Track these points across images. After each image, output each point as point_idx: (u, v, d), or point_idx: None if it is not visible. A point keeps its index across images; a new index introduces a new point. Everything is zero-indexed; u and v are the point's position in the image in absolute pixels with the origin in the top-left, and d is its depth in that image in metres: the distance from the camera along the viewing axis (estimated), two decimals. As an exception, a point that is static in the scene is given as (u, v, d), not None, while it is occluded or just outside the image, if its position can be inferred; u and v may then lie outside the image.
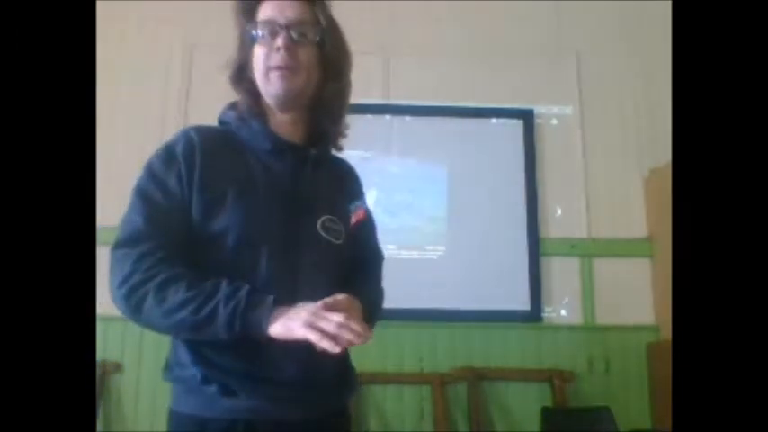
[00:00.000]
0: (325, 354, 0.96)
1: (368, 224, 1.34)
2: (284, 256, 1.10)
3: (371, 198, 3.37)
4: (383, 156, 3.42)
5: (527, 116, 3.51)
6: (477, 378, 3.15)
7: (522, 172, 3.44)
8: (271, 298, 1.01)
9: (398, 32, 3.58)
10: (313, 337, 0.95)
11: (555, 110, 3.56)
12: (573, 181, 3.46)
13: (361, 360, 3.34)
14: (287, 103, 1.16)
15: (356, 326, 0.96)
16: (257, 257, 1.08)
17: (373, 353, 3.19)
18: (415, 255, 3.33)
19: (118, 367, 3.08)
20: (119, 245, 1.03)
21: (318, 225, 1.15)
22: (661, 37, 3.38)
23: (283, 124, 1.19)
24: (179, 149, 1.11)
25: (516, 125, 3.50)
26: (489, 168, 3.45)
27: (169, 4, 3.48)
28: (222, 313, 0.99)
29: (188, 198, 1.08)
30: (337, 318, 0.96)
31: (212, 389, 1.05)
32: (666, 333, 3.20)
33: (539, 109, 3.54)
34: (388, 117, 3.48)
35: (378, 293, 1.32)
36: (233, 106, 1.21)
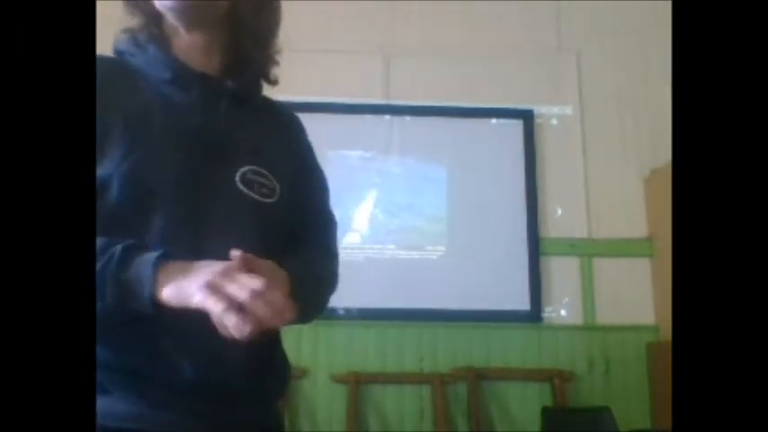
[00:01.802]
0: (237, 341, 0.69)
1: (314, 183, 1.05)
2: (186, 217, 0.83)
3: (371, 198, 3.38)
4: (383, 156, 3.42)
5: (527, 116, 3.51)
6: (477, 378, 3.15)
7: (522, 172, 3.44)
8: (154, 254, 0.73)
9: (398, 32, 3.58)
10: (214, 305, 0.68)
11: (555, 110, 3.57)
12: (573, 181, 3.46)
13: (362, 360, 3.35)
14: (187, 16, 0.90)
15: (277, 297, 0.70)
16: (148, 217, 0.81)
17: (373, 353, 3.19)
18: (415, 255, 3.33)
19: (118, 367, 3.08)
20: None
21: (237, 177, 0.88)
22: (661, 37, 3.38)
23: (192, 50, 0.92)
24: None
25: (516, 125, 3.50)
26: (489, 168, 3.45)
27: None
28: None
29: None
30: (253, 282, 0.69)
31: None
32: (666, 333, 3.20)
33: (539, 109, 3.54)
34: (387, 117, 3.48)
35: (318, 266, 0.98)
36: (128, 30, 0.94)
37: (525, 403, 3.15)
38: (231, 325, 0.68)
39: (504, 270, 3.32)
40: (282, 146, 0.99)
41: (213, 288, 0.69)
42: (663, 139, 3.41)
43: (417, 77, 3.52)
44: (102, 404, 0.77)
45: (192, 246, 0.81)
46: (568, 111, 3.57)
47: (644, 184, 3.45)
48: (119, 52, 0.94)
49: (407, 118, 3.50)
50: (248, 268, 0.73)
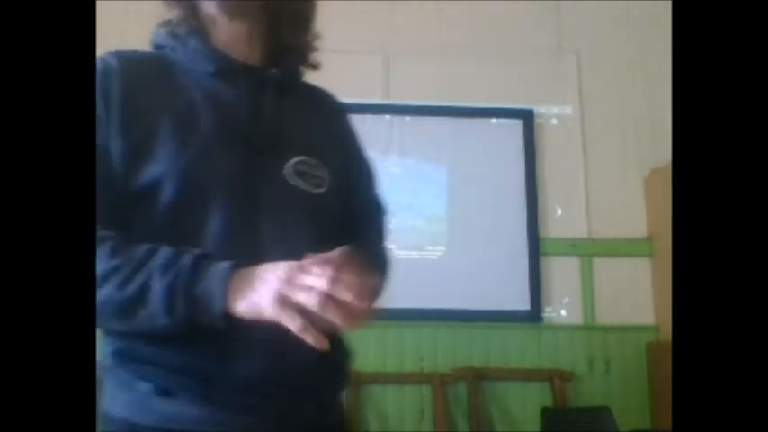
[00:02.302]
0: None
1: (362, 170, 1.05)
2: (240, 213, 0.82)
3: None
4: (383, 156, 3.42)
5: (527, 116, 3.51)
6: (477, 378, 3.15)
7: (522, 172, 3.43)
8: (226, 264, 0.72)
9: (398, 32, 3.58)
10: (291, 322, 0.68)
11: (555, 110, 3.56)
12: (573, 181, 3.46)
13: (362, 360, 3.34)
14: (230, 3, 0.88)
15: (346, 294, 0.68)
16: (204, 216, 0.80)
17: (373, 353, 3.19)
18: (414, 255, 3.33)
19: (118, 367, 3.08)
20: None
21: (287, 169, 0.86)
22: (661, 37, 3.38)
23: (233, 40, 0.90)
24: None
25: (516, 125, 3.50)
26: (489, 168, 3.45)
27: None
28: (158, 289, 0.71)
29: (104, 144, 0.79)
30: (320, 282, 0.68)
31: (145, 386, 0.78)
32: (666, 333, 3.20)
33: (539, 109, 3.54)
34: (388, 117, 3.48)
35: (380, 252, 1.01)
36: (167, 23, 0.92)
37: (525, 403, 3.15)
38: (311, 341, 0.68)
39: (504, 270, 3.32)
40: (329, 134, 0.97)
41: (283, 301, 0.69)
42: (663, 139, 3.41)
43: (417, 77, 3.52)
44: (168, 408, 0.77)
45: (248, 241, 0.81)
46: (568, 111, 3.56)
47: (644, 184, 3.45)
48: (158, 47, 0.92)
49: (407, 118, 3.50)
50: (322, 263, 0.71)
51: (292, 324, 0.68)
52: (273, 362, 0.79)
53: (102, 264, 0.71)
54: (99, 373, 0.71)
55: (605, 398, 3.11)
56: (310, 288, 0.69)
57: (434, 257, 3.35)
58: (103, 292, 0.71)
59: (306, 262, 0.72)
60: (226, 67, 0.88)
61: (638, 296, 3.33)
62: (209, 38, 0.90)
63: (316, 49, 0.97)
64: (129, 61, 0.86)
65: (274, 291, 0.69)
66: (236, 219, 0.81)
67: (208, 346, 0.77)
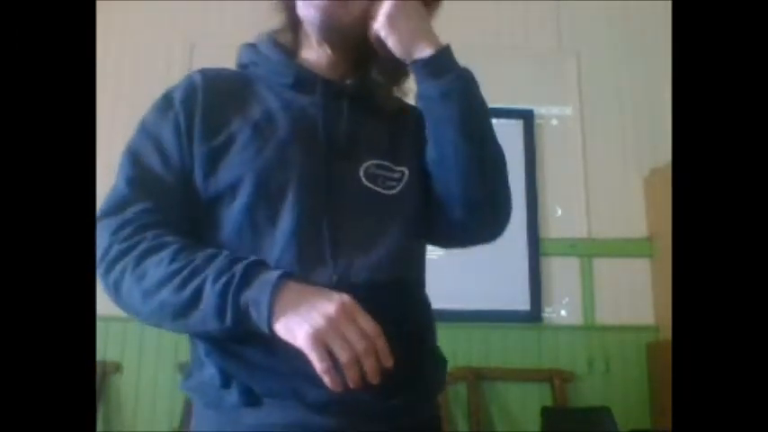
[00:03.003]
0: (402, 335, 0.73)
1: None
2: (315, 213, 0.83)
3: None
4: (383, 156, 3.42)
5: (527, 116, 3.51)
6: (477, 378, 3.15)
7: (522, 172, 3.43)
8: (276, 274, 0.74)
9: (398, 32, 3.57)
10: (317, 362, 0.70)
11: (555, 110, 3.56)
12: (573, 181, 3.46)
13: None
14: (324, 30, 0.91)
15: (386, 353, 0.71)
16: (278, 216, 0.82)
17: (373, 353, 3.18)
18: (415, 255, 3.33)
19: (118, 367, 3.08)
20: (100, 216, 0.78)
21: (361, 171, 0.89)
22: (661, 37, 3.38)
23: (319, 61, 0.95)
24: (177, 95, 0.88)
25: (516, 125, 3.50)
26: (489, 168, 3.44)
27: (170, 4, 3.48)
28: (209, 293, 0.73)
29: (187, 152, 0.85)
30: (359, 342, 0.70)
31: (233, 398, 0.79)
32: (666, 333, 3.20)
33: (539, 109, 3.54)
34: (388, 117, 3.48)
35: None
36: (252, 45, 0.97)
37: (525, 403, 3.15)
38: (328, 383, 0.70)
39: (504, 270, 3.32)
40: (410, 140, 0.97)
41: (319, 341, 0.70)
42: (663, 139, 3.41)
43: (417, 77, 3.51)
44: (257, 417, 0.77)
45: (322, 244, 0.82)
46: (568, 111, 3.56)
47: (644, 184, 3.45)
48: (242, 66, 0.97)
49: (407, 118, 3.50)
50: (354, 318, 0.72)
51: (318, 363, 0.70)
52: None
53: (162, 268, 0.75)
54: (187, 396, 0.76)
55: (605, 398, 3.11)
56: (350, 342, 0.70)
57: (434, 257, 3.34)
58: (162, 294, 0.74)
59: (359, 310, 0.73)
60: (304, 79, 0.92)
61: (638, 296, 3.33)
62: (295, 54, 0.96)
63: (406, 75, 0.99)
64: (213, 77, 0.92)
65: (315, 328, 0.70)
66: (308, 219, 0.83)
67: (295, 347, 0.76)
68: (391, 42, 0.90)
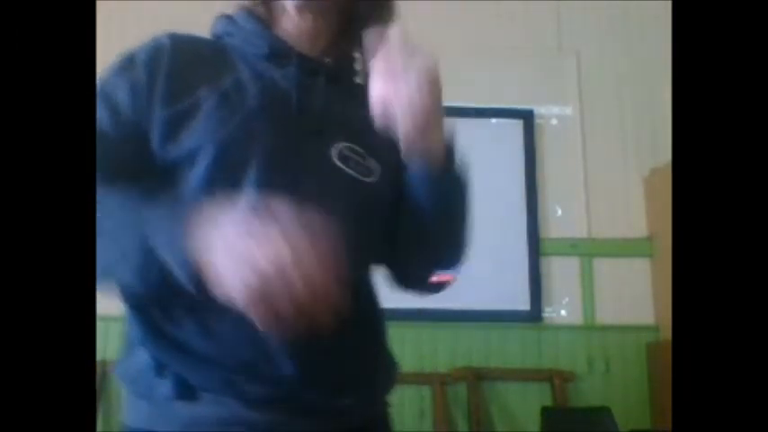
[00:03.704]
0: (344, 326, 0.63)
1: None
2: (280, 188, 0.75)
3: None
4: (383, 156, 3.42)
5: (527, 116, 3.51)
6: (477, 378, 3.15)
7: (522, 172, 3.43)
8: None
9: (398, 32, 3.58)
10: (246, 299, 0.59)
11: (555, 110, 3.56)
12: (573, 181, 3.46)
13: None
14: (305, 3, 0.87)
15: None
16: (240, 188, 0.77)
17: (373, 353, 3.19)
18: (415, 255, 3.33)
19: (118, 367, 3.07)
20: None
21: (333, 152, 0.84)
22: (661, 37, 3.38)
23: (298, 33, 0.90)
24: (141, 56, 0.82)
25: (516, 125, 3.50)
26: (489, 168, 3.45)
27: (169, 4, 3.48)
28: (130, 249, 0.67)
29: (143, 113, 0.78)
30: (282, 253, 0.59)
31: (166, 389, 0.73)
32: (666, 333, 3.20)
33: (539, 109, 3.54)
34: (388, 117, 3.48)
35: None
36: (227, 16, 0.93)
37: (525, 403, 3.15)
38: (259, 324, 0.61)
39: (504, 270, 3.32)
40: (382, 133, 0.93)
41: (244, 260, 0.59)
42: (663, 139, 3.41)
43: (417, 77, 3.51)
44: (190, 412, 0.72)
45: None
46: (568, 111, 3.56)
47: (644, 184, 3.45)
48: (216, 36, 0.92)
49: (407, 118, 3.49)
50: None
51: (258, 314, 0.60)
52: (307, 354, 0.73)
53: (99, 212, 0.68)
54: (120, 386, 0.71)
55: (605, 398, 3.11)
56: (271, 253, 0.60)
57: (434, 257, 3.35)
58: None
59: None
60: (279, 51, 0.87)
61: (638, 296, 3.33)
62: (272, 26, 0.90)
63: None
64: (182, 41, 0.86)
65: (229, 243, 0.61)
66: (272, 191, 0.75)
67: (235, 335, 0.72)
68: (397, 128, 0.79)
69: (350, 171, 0.84)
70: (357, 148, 0.87)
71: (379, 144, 0.89)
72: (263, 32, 0.88)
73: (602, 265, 3.37)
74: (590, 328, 3.30)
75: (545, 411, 2.98)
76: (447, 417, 3.08)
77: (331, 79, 0.90)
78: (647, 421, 3.14)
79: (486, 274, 3.30)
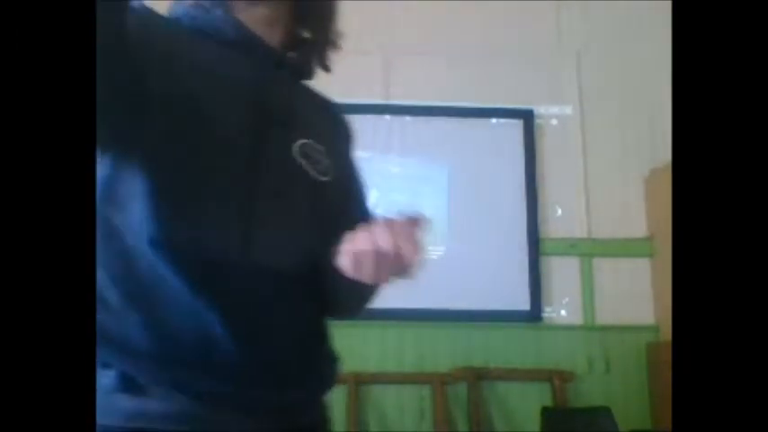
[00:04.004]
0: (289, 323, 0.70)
1: (361, 183, 1.02)
2: (234, 184, 0.76)
3: (371, 198, 3.37)
4: (383, 156, 3.42)
5: (527, 116, 3.51)
6: (477, 378, 3.15)
7: (522, 172, 3.44)
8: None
9: (398, 32, 3.58)
10: None
11: (555, 110, 3.57)
12: (573, 181, 3.46)
13: (362, 360, 3.35)
14: None
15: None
16: (197, 174, 0.75)
17: (373, 353, 3.19)
18: (415, 255, 3.33)
19: (118, 367, 3.08)
20: None
21: (295, 148, 0.83)
22: (661, 37, 3.38)
23: (254, 23, 0.87)
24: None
25: (516, 125, 3.50)
26: (489, 168, 3.45)
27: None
28: None
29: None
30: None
31: (107, 380, 0.70)
32: (666, 333, 3.20)
33: (539, 109, 3.54)
34: (388, 117, 3.48)
35: None
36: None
37: (525, 403, 3.15)
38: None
39: (504, 270, 3.32)
40: (334, 132, 0.95)
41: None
42: (663, 139, 3.41)
43: (417, 77, 3.52)
44: (135, 405, 0.70)
45: (241, 208, 0.76)
46: (568, 111, 3.57)
47: (644, 184, 3.45)
48: (176, 18, 0.87)
49: (407, 118, 3.50)
50: None
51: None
52: (254, 350, 0.73)
53: None
54: None
55: (605, 398, 3.11)
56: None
57: (434, 257, 3.35)
58: None
59: None
60: (245, 39, 0.85)
61: (638, 296, 3.33)
62: (232, 11, 0.87)
63: (336, 47, 0.96)
64: (144, 17, 0.81)
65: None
66: (230, 177, 0.76)
67: (180, 329, 0.70)
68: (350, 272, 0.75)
69: (308, 168, 0.83)
70: (317, 146, 0.86)
71: (334, 144, 0.91)
72: (231, 19, 0.85)
73: (602, 265, 3.38)
74: (590, 328, 3.30)
75: (545, 411, 2.98)
76: (447, 417, 3.08)
77: (293, 75, 0.90)
78: (647, 421, 3.15)
79: (486, 274, 3.30)
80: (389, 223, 0.70)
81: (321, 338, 0.87)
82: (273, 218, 0.77)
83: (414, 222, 0.70)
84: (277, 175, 0.80)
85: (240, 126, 0.79)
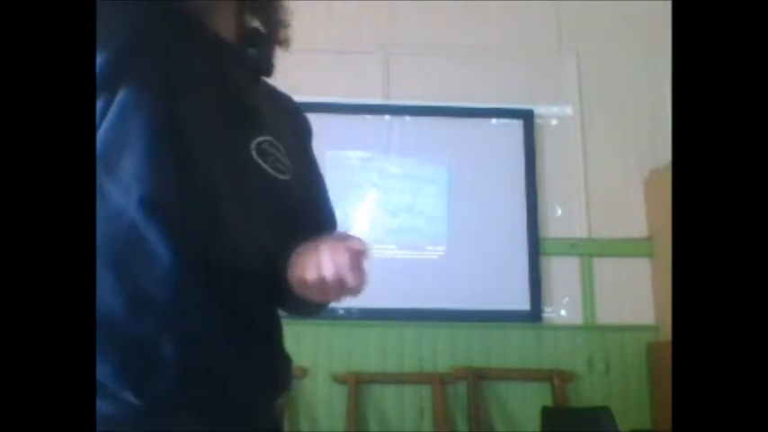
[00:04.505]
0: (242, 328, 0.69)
1: (323, 183, 0.99)
2: (196, 170, 0.74)
3: (371, 198, 3.38)
4: (383, 156, 3.42)
5: (527, 116, 3.51)
6: (477, 378, 3.15)
7: (522, 172, 3.44)
8: None
9: (398, 32, 3.58)
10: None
11: (555, 110, 3.57)
12: (573, 181, 3.46)
13: (362, 360, 3.34)
14: None
15: None
16: (150, 173, 0.72)
17: (373, 353, 3.19)
18: (415, 255, 3.33)
19: (118, 367, 3.08)
20: None
21: (253, 146, 0.80)
22: (661, 37, 3.38)
23: (206, 15, 0.83)
24: None
25: (516, 125, 3.50)
26: (489, 168, 3.45)
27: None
28: None
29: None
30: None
31: None
32: (666, 333, 3.20)
33: (539, 109, 3.54)
34: (387, 117, 3.48)
35: None
36: None
37: (525, 403, 3.15)
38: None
39: (504, 270, 3.32)
40: (292, 129, 0.93)
41: None
42: (663, 139, 3.41)
43: (417, 77, 3.52)
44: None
45: (196, 204, 0.73)
46: (568, 111, 3.57)
47: (644, 185, 3.45)
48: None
49: (407, 118, 3.50)
50: None
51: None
52: (201, 354, 0.72)
53: None
54: None
55: (605, 398, 3.11)
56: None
57: (434, 257, 3.35)
58: None
59: None
60: (198, 32, 0.81)
61: (638, 296, 3.33)
62: (184, 8, 0.82)
63: (287, 25, 0.92)
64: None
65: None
66: (186, 170, 0.73)
67: (136, 332, 0.69)
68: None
69: (266, 167, 0.81)
70: (275, 143, 0.84)
71: (293, 142, 0.88)
72: (179, 14, 0.80)
73: (602, 265, 3.38)
74: (590, 328, 3.30)
75: (545, 411, 2.98)
76: (447, 416, 3.08)
77: (250, 71, 0.87)
78: (647, 421, 3.15)
79: (487, 274, 3.30)
80: (335, 249, 0.70)
81: (269, 338, 0.84)
82: (230, 221, 0.75)
83: (357, 251, 0.70)
84: (233, 175, 0.77)
85: (199, 123, 0.76)
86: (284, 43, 0.92)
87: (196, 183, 0.74)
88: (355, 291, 0.70)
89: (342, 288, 0.70)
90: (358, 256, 0.69)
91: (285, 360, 0.86)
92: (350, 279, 0.69)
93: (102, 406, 0.65)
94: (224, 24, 0.85)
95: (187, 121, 0.75)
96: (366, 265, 0.70)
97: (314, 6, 3.40)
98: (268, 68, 0.92)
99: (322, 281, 0.70)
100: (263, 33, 0.90)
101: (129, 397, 0.67)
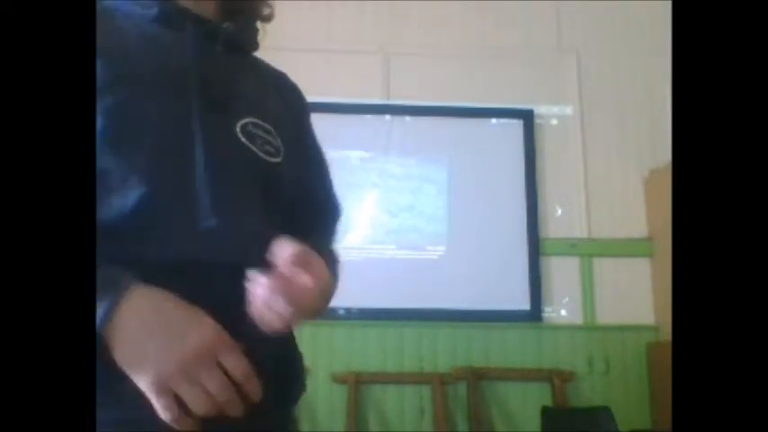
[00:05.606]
0: (257, 335, 0.62)
1: (323, 164, 0.94)
2: (174, 174, 0.70)
3: (371, 198, 3.38)
4: (383, 156, 3.42)
5: (527, 116, 3.51)
6: (477, 378, 3.15)
7: (522, 172, 3.44)
8: (124, 279, 0.62)
9: (398, 32, 3.58)
10: (163, 408, 0.60)
11: (555, 110, 3.57)
12: (573, 181, 3.46)
13: (362, 360, 3.34)
14: None
15: (255, 393, 0.62)
16: (130, 172, 0.68)
17: (373, 353, 3.19)
18: (415, 255, 3.33)
19: (118, 367, 3.08)
20: None
21: (237, 128, 0.75)
22: (661, 36, 3.38)
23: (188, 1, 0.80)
24: None
25: (516, 125, 3.50)
26: (489, 168, 3.45)
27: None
28: None
29: None
30: (225, 394, 0.61)
31: None
32: (666, 333, 3.20)
33: (539, 109, 3.54)
34: (387, 117, 3.48)
35: (333, 255, 0.88)
36: None
37: (525, 403, 3.15)
38: (168, 417, 0.60)
39: (504, 270, 3.32)
40: (284, 105, 0.87)
41: (165, 390, 0.60)
42: (663, 139, 3.41)
43: (417, 77, 3.52)
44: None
45: (183, 199, 0.69)
46: (568, 111, 3.57)
47: (644, 184, 3.45)
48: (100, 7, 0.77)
49: (407, 118, 3.50)
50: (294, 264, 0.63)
51: (163, 412, 0.60)
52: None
53: None
54: None
55: (605, 398, 3.11)
56: (208, 392, 0.60)
57: (434, 257, 3.35)
58: None
59: (226, 344, 0.62)
60: (170, 12, 0.77)
61: (638, 296, 3.33)
62: None
63: (270, 17, 0.88)
64: None
65: (163, 374, 0.60)
66: (165, 181, 0.69)
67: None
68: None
69: (255, 150, 0.76)
70: (263, 124, 0.79)
71: (284, 121, 0.83)
72: None
73: (602, 265, 3.38)
74: (590, 328, 3.30)
75: (545, 411, 2.98)
76: (447, 416, 3.08)
77: (231, 48, 0.81)
78: (647, 421, 3.15)
79: (487, 274, 3.30)
80: (285, 283, 0.64)
81: (286, 353, 0.80)
82: (216, 201, 0.70)
83: (312, 279, 0.65)
84: (219, 157, 0.72)
85: (172, 106, 0.72)
86: (267, 19, 0.88)
87: (178, 173, 0.70)
88: (313, 315, 0.65)
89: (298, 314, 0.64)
90: (292, 287, 0.63)
91: (303, 367, 0.83)
92: (267, 316, 0.63)
93: (117, 411, 0.63)
94: (203, 3, 0.81)
95: (147, 111, 0.71)
96: (307, 295, 0.64)
97: (314, 6, 3.41)
98: (252, 43, 0.87)
99: (276, 312, 0.64)
100: (245, 8, 0.85)
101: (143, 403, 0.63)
